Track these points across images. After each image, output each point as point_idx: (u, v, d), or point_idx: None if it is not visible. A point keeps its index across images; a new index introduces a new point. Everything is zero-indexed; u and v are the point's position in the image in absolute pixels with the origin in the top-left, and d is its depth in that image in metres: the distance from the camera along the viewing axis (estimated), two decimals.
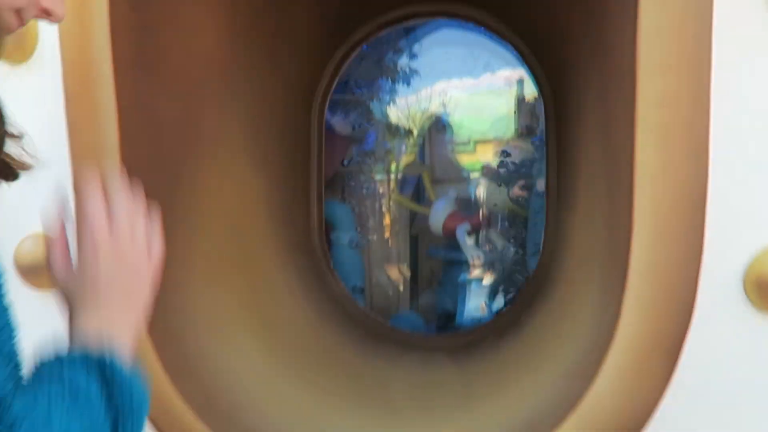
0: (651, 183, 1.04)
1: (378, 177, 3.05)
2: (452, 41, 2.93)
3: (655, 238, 1.06)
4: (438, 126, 3.18)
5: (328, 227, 2.18)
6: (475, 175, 3.05)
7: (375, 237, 2.98)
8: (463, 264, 2.88)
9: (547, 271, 1.90)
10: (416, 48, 2.96)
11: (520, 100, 2.91)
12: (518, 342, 1.71)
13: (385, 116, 3.06)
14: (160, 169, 1.31)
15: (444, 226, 2.88)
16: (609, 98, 1.21)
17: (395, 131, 3.27)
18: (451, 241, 2.89)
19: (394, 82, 3.03)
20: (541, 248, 2.02)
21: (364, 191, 2.94)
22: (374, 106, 3.05)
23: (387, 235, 3.10)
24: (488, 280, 2.89)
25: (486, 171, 3.06)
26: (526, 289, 1.99)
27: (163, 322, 1.29)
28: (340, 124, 3.21)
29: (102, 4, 1.14)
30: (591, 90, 1.40)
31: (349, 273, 2.24)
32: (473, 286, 2.90)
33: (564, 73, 1.69)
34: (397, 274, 3.00)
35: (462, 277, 2.87)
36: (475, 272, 3.02)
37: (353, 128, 3.16)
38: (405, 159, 3.09)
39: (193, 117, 1.43)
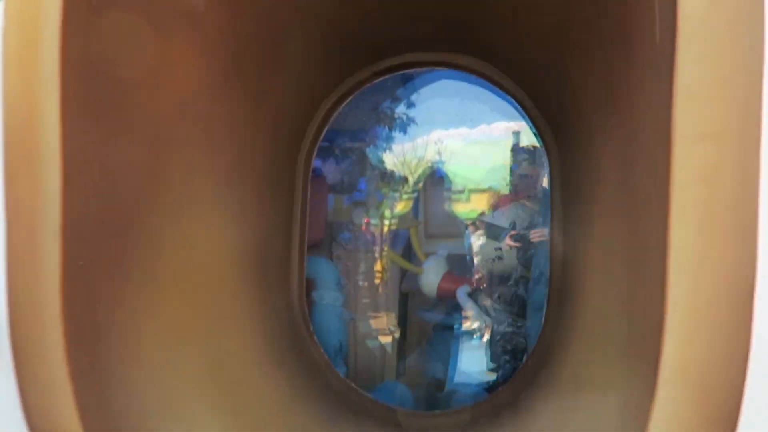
0: (688, 270, 0.87)
1: (369, 229, 2.90)
2: (451, 91, 2.91)
3: (692, 335, 0.88)
4: (434, 178, 3.08)
5: (309, 286, 2.00)
6: (475, 233, 2.93)
7: (362, 295, 2.79)
8: (456, 329, 2.69)
9: (550, 348, 1.71)
10: (414, 97, 2.97)
11: (516, 152, 2.89)
12: (515, 429, 1.51)
13: (381, 162, 3.05)
14: (114, 225, 1.14)
15: (439, 288, 2.70)
16: (633, 166, 1.05)
17: (390, 178, 3.18)
18: (444, 303, 2.71)
19: (391, 129, 3.02)
20: (543, 319, 1.84)
21: (353, 245, 2.78)
22: (370, 152, 3.02)
23: (376, 292, 2.93)
24: (483, 347, 2.70)
25: (482, 226, 2.94)
26: (525, 367, 1.79)
27: (104, 403, 1.10)
28: (330, 172, 3.09)
29: (52, 32, 0.98)
30: (608, 154, 1.25)
31: (330, 336, 2.04)
32: (467, 353, 2.71)
33: (574, 133, 1.55)
34: (384, 336, 2.80)
35: (454, 343, 2.68)
36: (472, 337, 2.86)
37: (343, 178, 3.06)
38: (399, 206, 2.94)
39: (158, 165, 1.26)
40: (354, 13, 1.61)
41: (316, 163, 3.21)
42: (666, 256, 0.88)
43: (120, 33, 1.12)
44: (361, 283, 2.88)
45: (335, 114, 1.87)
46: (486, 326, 2.82)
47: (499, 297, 2.82)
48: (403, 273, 2.95)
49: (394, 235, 2.89)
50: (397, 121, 3.00)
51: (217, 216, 1.48)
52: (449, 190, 2.96)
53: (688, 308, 0.89)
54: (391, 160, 3.08)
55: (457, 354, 2.83)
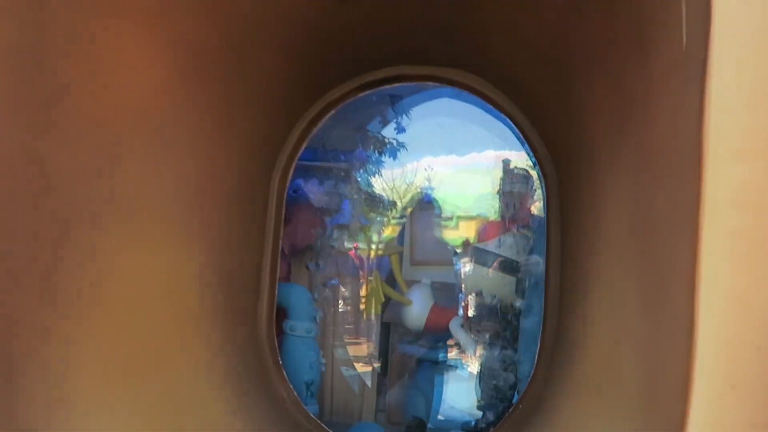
0: (720, 315, 0.72)
1: (357, 253, 2.75)
2: (443, 112, 2.84)
3: (724, 396, 0.73)
4: (422, 203, 2.96)
5: (280, 314, 1.82)
6: (463, 259, 2.81)
7: (341, 321, 2.62)
8: (441, 364, 2.51)
9: (543, 391, 1.55)
10: (405, 122, 2.94)
11: (505, 180, 2.79)
12: None
13: (370, 186, 3.01)
14: (44, 238, 0.97)
15: (428, 321, 2.53)
16: (650, 191, 0.91)
17: (376, 202, 3.06)
18: (431, 337, 2.54)
19: (381, 153, 2.98)
20: (535, 357, 1.68)
21: (334, 269, 2.61)
22: (358, 175, 2.96)
23: (357, 319, 2.77)
24: (472, 380, 2.52)
25: (470, 252, 2.81)
26: (515, 410, 1.63)
27: None
28: (313, 193, 2.94)
29: None
30: (616, 178, 1.11)
31: (300, 371, 1.86)
32: (454, 385, 2.54)
33: (575, 155, 1.41)
34: (362, 366, 2.62)
35: (439, 378, 2.50)
36: (458, 369, 2.70)
37: (327, 199, 2.93)
38: (386, 231, 2.79)
39: (105, 175, 1.10)
40: (336, 24, 1.48)
41: (298, 183, 3.08)
42: (693, 298, 0.73)
43: (60, 26, 0.97)
44: (341, 308, 2.72)
45: (315, 129, 1.73)
46: (474, 357, 2.67)
47: (492, 331, 2.67)
48: (386, 302, 2.79)
49: (379, 262, 2.74)
50: (387, 146, 2.96)
51: (177, 237, 1.32)
52: (438, 215, 2.82)
53: (719, 360, 0.74)
54: (380, 184, 3.04)
55: (442, 388, 2.66)
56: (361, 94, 1.71)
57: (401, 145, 2.98)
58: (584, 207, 1.36)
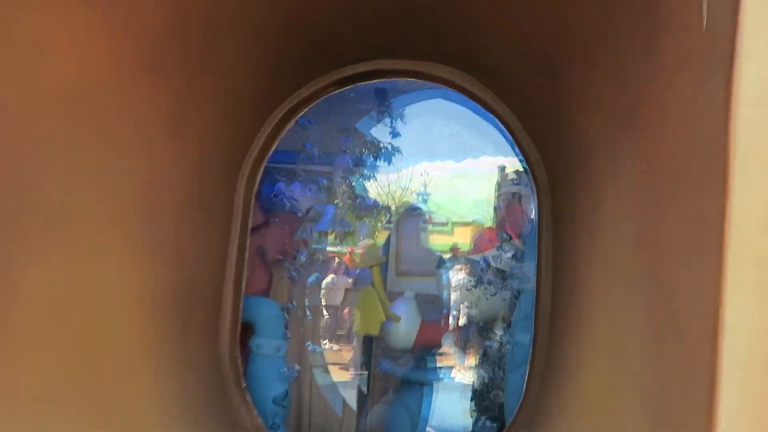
0: (750, 359, 0.58)
1: (330, 262, 2.60)
2: (438, 113, 2.74)
3: None
4: (409, 211, 2.81)
5: (246, 331, 1.67)
6: (453, 268, 2.67)
7: (319, 325, 2.46)
8: (426, 387, 2.35)
9: (536, 413, 1.40)
10: (399, 125, 2.86)
11: (500, 187, 2.72)
12: None
13: (364, 191, 2.93)
14: None
15: (417, 340, 2.38)
16: (658, 207, 0.76)
17: (365, 208, 2.93)
18: (417, 354, 2.38)
19: (375, 157, 2.90)
20: (526, 378, 1.53)
21: (311, 280, 2.46)
22: (353, 180, 2.86)
23: (335, 328, 2.62)
24: (461, 394, 2.37)
25: (462, 261, 2.68)
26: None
27: None
28: (295, 197, 2.79)
29: None
30: (618, 189, 0.96)
31: (267, 394, 1.69)
32: (443, 401, 2.39)
33: (570, 161, 1.27)
34: (339, 372, 2.47)
35: (427, 396, 2.34)
36: (447, 381, 2.56)
37: (310, 204, 2.78)
38: (371, 238, 2.64)
39: (23, 173, 0.95)
40: (309, 12, 1.33)
41: (279, 187, 2.93)
42: (715, 342, 0.59)
43: None
44: (315, 328, 2.56)
45: (287, 129, 1.58)
46: (465, 367, 2.54)
47: (481, 346, 2.53)
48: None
49: (360, 274, 2.58)
50: (382, 150, 2.86)
51: (118, 246, 1.16)
52: (426, 222, 2.68)
53: (745, 416, 0.59)
54: (375, 189, 2.95)
55: (429, 406, 2.50)
56: (338, 91, 1.56)
57: (396, 149, 2.89)
58: (579, 219, 1.21)
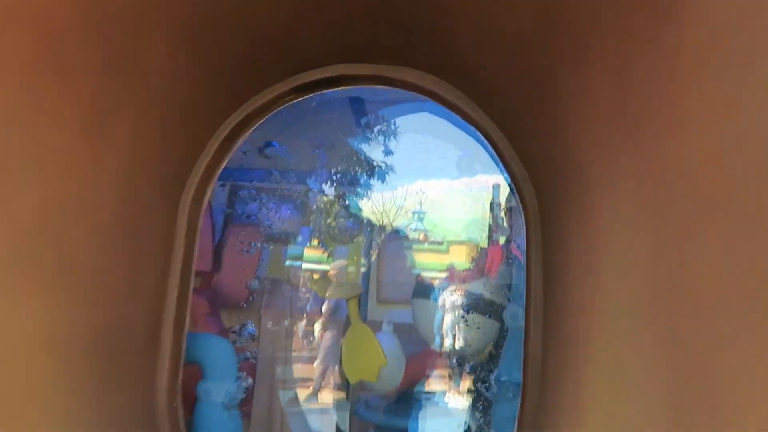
0: None
1: (304, 293, 2.39)
2: (425, 129, 2.63)
3: None
4: (392, 234, 2.63)
5: (192, 375, 1.45)
6: (447, 290, 2.48)
7: (287, 388, 2.23)
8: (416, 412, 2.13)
9: None
10: (392, 144, 2.83)
11: (494, 207, 2.63)
12: None
13: (359, 210, 2.87)
14: None
15: (404, 379, 2.15)
16: (677, 234, 0.56)
17: (345, 231, 2.75)
18: (401, 398, 2.15)
19: (369, 176, 2.88)
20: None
21: (287, 308, 2.24)
22: (348, 199, 2.80)
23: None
24: (454, 420, 2.15)
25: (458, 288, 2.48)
26: None
27: None
28: (269, 219, 2.61)
29: None
30: (621, 209, 0.76)
31: None
32: (433, 426, 2.16)
33: (562, 174, 1.07)
34: (303, 390, 2.24)
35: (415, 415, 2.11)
36: (441, 405, 2.36)
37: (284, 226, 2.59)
38: (340, 267, 2.42)
39: None
40: (257, 8, 1.15)
41: (252, 208, 2.74)
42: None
43: None
44: (283, 368, 2.33)
45: (239, 143, 1.38)
46: (458, 391, 2.34)
47: (471, 376, 2.33)
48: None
49: (333, 307, 2.37)
50: (376, 168, 2.82)
51: (19, 281, 0.96)
52: (409, 244, 2.48)
53: None
54: (369, 207, 2.88)
55: None
56: (299, 100, 1.36)
57: (389, 168, 2.85)
58: (574, 248, 1.01)
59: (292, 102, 1.36)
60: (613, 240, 0.81)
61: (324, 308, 2.41)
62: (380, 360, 2.09)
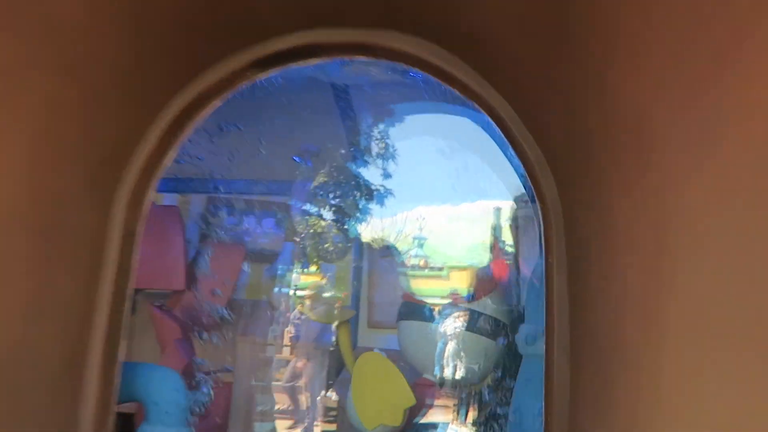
0: None
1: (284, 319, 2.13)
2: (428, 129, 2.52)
3: None
4: (383, 250, 2.41)
5: (136, 414, 1.18)
6: (451, 316, 2.30)
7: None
8: None
9: None
10: (391, 167, 2.77)
11: (497, 230, 2.52)
12: None
13: (357, 234, 2.77)
14: None
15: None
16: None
17: (330, 251, 2.52)
18: None
19: (368, 200, 2.80)
20: None
21: (258, 338, 1.98)
22: (347, 223, 2.70)
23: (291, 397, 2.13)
24: None
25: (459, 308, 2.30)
26: None
27: None
28: (249, 234, 2.37)
29: None
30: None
31: None
32: None
33: (587, 164, 0.82)
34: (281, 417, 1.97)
35: None
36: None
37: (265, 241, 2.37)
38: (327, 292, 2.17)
39: None
40: None
41: (231, 221, 2.49)
42: None
43: None
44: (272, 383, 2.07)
45: (187, 132, 1.13)
46: (464, 425, 2.13)
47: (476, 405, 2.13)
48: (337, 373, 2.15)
49: (319, 332, 2.10)
50: (375, 192, 2.72)
51: None
52: (401, 263, 2.24)
53: None
54: (368, 233, 2.80)
55: None
56: (259, 76, 1.12)
57: (388, 191, 2.78)
58: (603, 268, 0.75)
59: (252, 80, 1.12)
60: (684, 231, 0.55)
61: (307, 334, 2.15)
62: (408, 399, 1.78)
